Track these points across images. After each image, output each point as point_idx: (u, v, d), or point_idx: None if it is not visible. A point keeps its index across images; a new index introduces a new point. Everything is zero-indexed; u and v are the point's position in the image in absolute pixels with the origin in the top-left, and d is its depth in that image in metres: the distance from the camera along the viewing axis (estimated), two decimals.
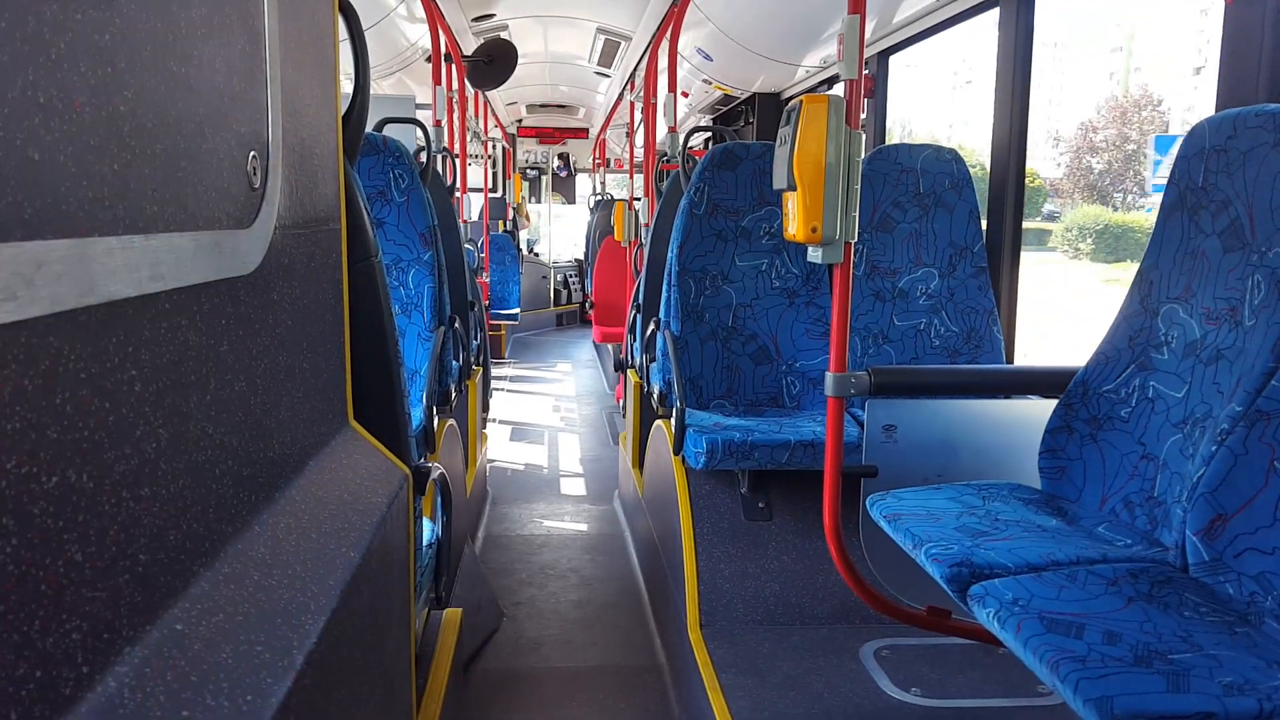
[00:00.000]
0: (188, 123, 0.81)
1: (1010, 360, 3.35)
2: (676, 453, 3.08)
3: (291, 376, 1.12)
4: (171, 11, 0.78)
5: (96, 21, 0.65)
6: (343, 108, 1.45)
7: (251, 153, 0.97)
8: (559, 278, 12.98)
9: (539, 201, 13.38)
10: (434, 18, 4.78)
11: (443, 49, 4.89)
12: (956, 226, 3.30)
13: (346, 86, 1.56)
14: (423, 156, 4.13)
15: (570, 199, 13.58)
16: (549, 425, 6.89)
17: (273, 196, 1.03)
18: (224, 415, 0.91)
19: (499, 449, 6.11)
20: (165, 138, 0.77)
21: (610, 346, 8.44)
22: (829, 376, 2.10)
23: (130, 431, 0.72)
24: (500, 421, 7.03)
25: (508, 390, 8.28)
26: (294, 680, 0.83)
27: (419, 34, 5.70)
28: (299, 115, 1.15)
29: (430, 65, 5.21)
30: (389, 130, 3.97)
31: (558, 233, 14.32)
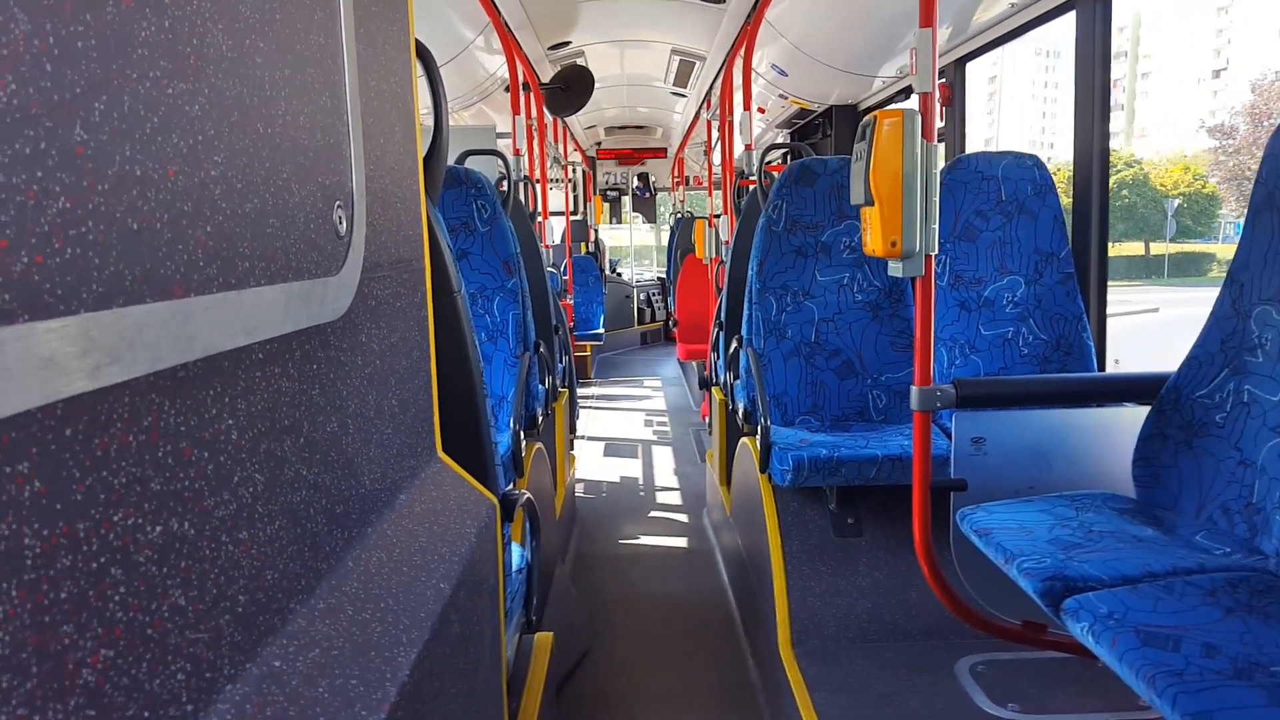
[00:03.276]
0: (275, 180, 0.85)
1: (1102, 367, 3.28)
2: (762, 470, 3.08)
3: (381, 414, 1.15)
4: (257, 76, 0.82)
5: (186, 93, 0.69)
6: (423, 147, 1.50)
7: (337, 202, 1.01)
8: (642, 296, 13.05)
9: (620, 222, 13.49)
10: (511, 49, 4.89)
11: (520, 79, 5.00)
12: (1041, 233, 3.24)
13: (425, 121, 1.62)
14: (504, 185, 4.23)
15: (651, 219, 13.67)
16: (636, 444, 6.93)
17: (358, 242, 1.07)
18: (317, 456, 0.94)
19: (587, 469, 6.17)
20: (254, 197, 0.80)
21: (695, 364, 8.46)
22: (914, 390, 2.09)
23: (228, 478, 0.75)
24: (589, 438, 7.10)
25: (594, 408, 8.36)
26: (387, 713, 0.85)
27: (497, 64, 5.83)
28: (381, 161, 1.20)
29: (507, 93, 5.31)
30: (470, 161, 4.07)
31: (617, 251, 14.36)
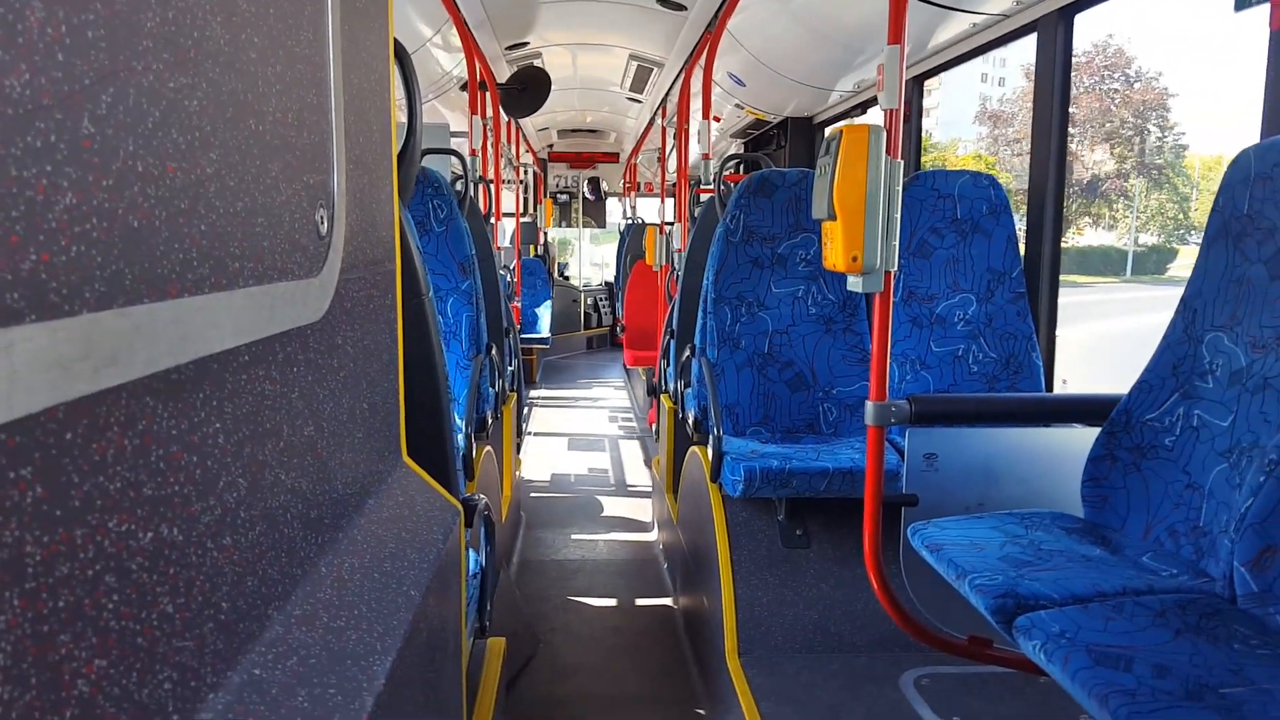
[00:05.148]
0: (264, 179, 0.83)
1: (1050, 387, 3.33)
2: (714, 480, 3.08)
3: (353, 417, 1.14)
4: (251, 71, 0.80)
5: (186, 87, 0.68)
6: (395, 148, 1.48)
7: (319, 202, 0.99)
8: (589, 301, 13.03)
9: (570, 225, 13.45)
10: (470, 48, 4.84)
11: (478, 78, 4.96)
12: (994, 252, 3.29)
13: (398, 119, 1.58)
14: (459, 185, 4.18)
15: (601, 223, 13.64)
16: (581, 449, 6.91)
17: (338, 243, 1.05)
18: (294, 460, 0.93)
19: (532, 472, 6.13)
20: (245, 195, 0.79)
21: (641, 370, 8.46)
22: (869, 405, 2.10)
23: (214, 483, 0.75)
24: (535, 434, 7.06)
25: (540, 409, 8.32)
26: None
27: (453, 63, 5.78)
28: (360, 162, 1.18)
29: (462, 92, 5.24)
30: (426, 161, 4.02)
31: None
